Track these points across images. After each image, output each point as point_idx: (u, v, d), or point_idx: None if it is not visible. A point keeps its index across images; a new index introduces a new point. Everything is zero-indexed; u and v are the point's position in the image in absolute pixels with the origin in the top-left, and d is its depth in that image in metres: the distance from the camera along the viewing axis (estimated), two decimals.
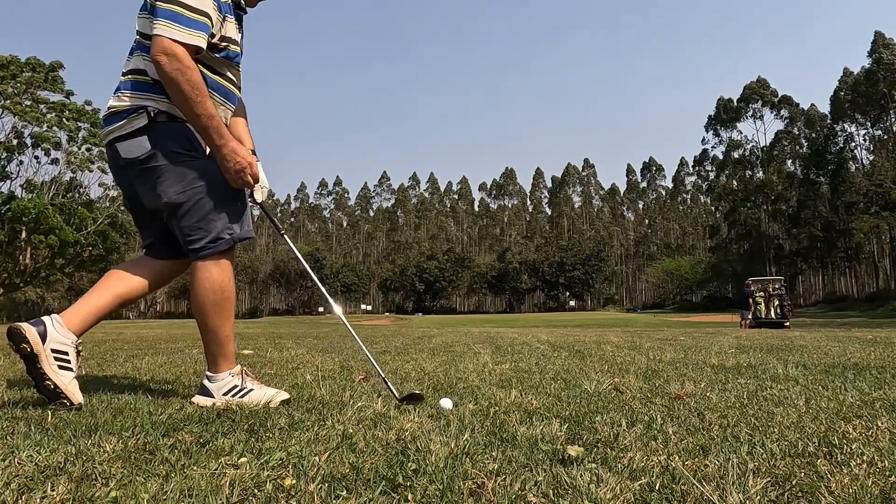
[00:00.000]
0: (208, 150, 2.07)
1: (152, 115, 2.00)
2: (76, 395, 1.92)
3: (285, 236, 2.44)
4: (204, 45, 1.97)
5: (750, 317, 20.14)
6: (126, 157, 2.04)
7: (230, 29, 2.09)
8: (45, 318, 1.94)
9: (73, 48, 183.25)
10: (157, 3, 1.92)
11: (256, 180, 2.09)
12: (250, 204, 2.23)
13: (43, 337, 1.88)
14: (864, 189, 57.44)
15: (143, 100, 2.01)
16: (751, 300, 20.67)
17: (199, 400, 2.08)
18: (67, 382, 1.90)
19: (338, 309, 2.54)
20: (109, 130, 2.06)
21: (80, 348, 1.98)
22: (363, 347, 2.35)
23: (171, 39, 1.88)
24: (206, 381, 2.12)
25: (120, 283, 2.12)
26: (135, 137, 2.01)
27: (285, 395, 2.10)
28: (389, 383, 2.16)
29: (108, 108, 2.07)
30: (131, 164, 2.04)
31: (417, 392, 2.06)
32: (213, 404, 2.02)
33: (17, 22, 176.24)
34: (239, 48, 2.16)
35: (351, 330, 2.44)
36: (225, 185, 2.06)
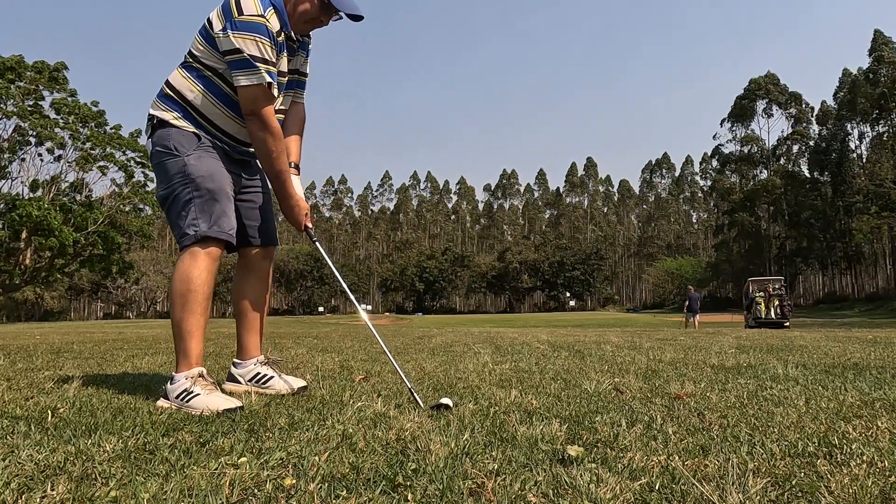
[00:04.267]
0: (192, 149, 2.19)
1: (154, 122, 2.24)
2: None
3: (318, 244, 2.49)
4: (276, 92, 2.18)
5: (694, 318, 22.18)
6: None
7: (282, 64, 2.25)
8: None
9: (85, 54, 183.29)
10: (229, 56, 2.09)
11: (309, 222, 2.38)
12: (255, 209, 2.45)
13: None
14: (865, 189, 57.44)
15: (155, 109, 2.24)
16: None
17: (160, 402, 2.07)
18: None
19: (364, 314, 2.55)
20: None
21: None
22: (391, 358, 2.28)
23: (252, 85, 2.09)
24: (168, 383, 2.11)
25: (239, 301, 2.43)
26: (148, 141, 2.29)
27: (231, 405, 1.95)
28: (416, 393, 2.07)
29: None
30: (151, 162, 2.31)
31: (445, 402, 1.93)
32: (170, 407, 2.02)
33: (25, 26, 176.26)
34: (285, 78, 2.30)
35: (377, 335, 2.42)
36: (198, 184, 2.15)
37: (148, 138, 2.28)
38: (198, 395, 2.01)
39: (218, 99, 2.20)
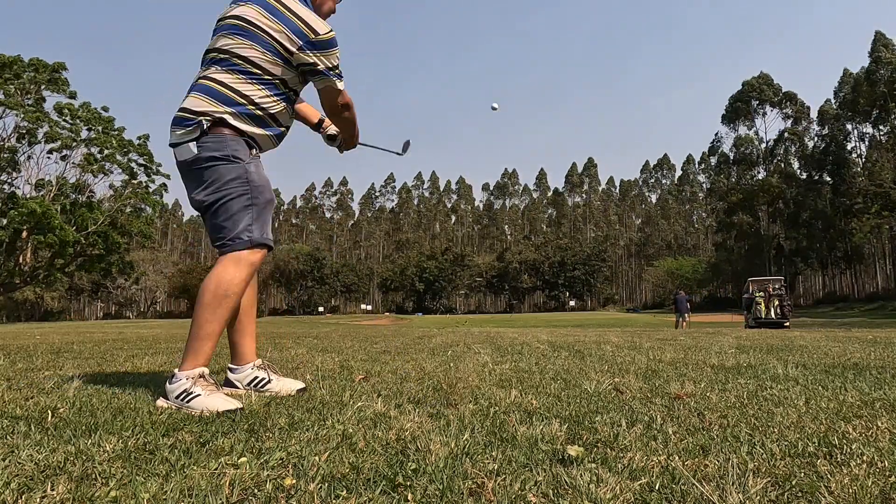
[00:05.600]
0: (249, 157, 2.24)
1: (206, 126, 2.18)
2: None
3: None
4: None
5: (681, 319, 23.05)
6: (179, 159, 2.25)
7: None
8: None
9: (85, 55, 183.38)
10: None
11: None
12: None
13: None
14: (865, 189, 57.46)
15: (211, 105, 2.20)
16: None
17: (160, 402, 2.05)
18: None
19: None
20: (174, 133, 2.24)
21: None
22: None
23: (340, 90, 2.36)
24: (168, 382, 2.08)
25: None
26: (186, 145, 2.21)
27: (232, 406, 1.95)
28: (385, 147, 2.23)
29: (181, 110, 2.23)
30: (183, 164, 2.25)
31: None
32: (170, 407, 2.00)
33: (25, 26, 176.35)
34: None
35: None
36: (256, 193, 2.22)
37: (190, 140, 2.19)
38: (198, 395, 1.99)
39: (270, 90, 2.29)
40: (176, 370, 2.10)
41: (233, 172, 2.18)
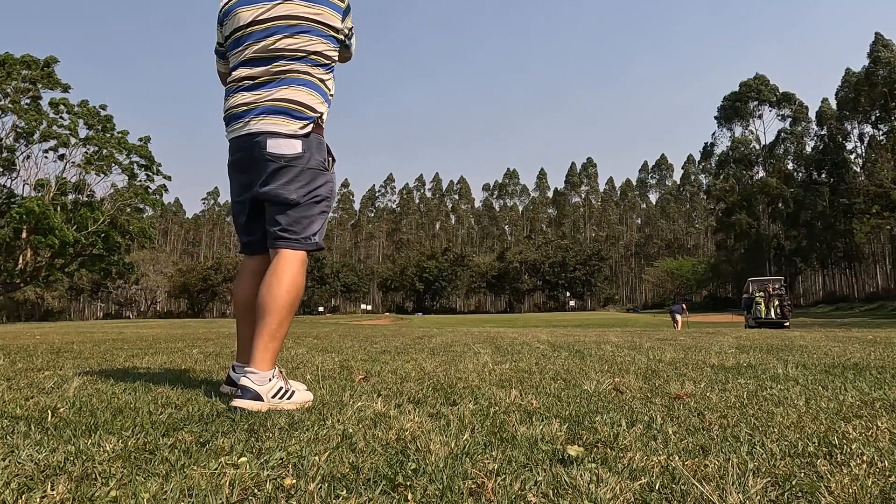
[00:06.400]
0: (332, 170, 2.32)
1: (318, 123, 2.23)
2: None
3: None
4: None
5: (675, 320, 23.56)
6: (273, 151, 2.16)
7: None
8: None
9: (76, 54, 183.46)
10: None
11: None
12: None
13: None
14: (865, 189, 57.46)
15: (321, 103, 2.25)
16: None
17: (249, 405, 1.93)
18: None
19: None
20: (273, 122, 2.17)
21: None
22: None
23: None
24: (252, 383, 1.98)
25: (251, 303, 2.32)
26: (289, 139, 2.16)
27: (311, 396, 2.13)
28: None
29: (288, 101, 2.18)
30: (273, 159, 2.17)
31: None
32: (260, 409, 1.93)
33: (23, 26, 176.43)
34: None
35: None
36: (330, 203, 2.33)
37: (302, 135, 2.17)
38: (293, 391, 2.07)
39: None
40: (254, 370, 2.02)
41: (324, 178, 2.25)
